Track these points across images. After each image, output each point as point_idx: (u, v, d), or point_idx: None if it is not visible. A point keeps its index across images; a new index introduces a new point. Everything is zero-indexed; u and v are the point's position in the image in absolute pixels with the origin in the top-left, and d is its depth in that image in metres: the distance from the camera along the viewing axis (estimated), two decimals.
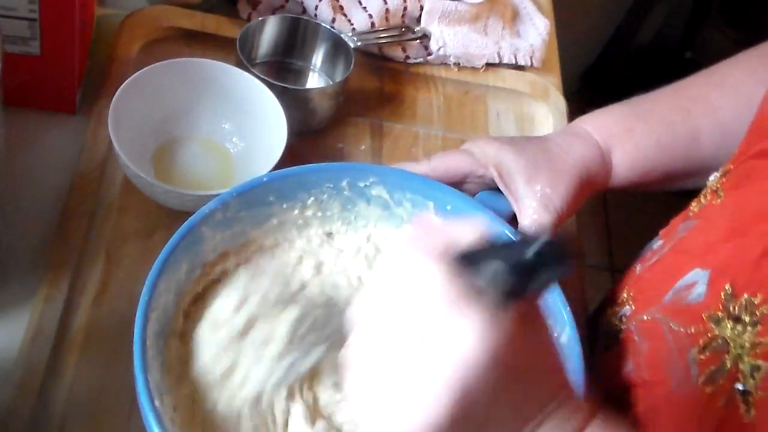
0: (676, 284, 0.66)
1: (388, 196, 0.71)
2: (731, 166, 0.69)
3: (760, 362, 0.59)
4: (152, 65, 0.81)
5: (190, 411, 0.60)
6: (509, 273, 0.44)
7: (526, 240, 0.44)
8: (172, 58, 0.83)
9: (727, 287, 0.62)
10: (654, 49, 2.18)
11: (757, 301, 0.60)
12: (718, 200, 0.69)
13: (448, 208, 0.70)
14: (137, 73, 0.80)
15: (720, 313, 0.62)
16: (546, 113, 0.99)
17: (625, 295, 0.74)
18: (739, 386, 0.60)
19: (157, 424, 0.54)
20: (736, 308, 0.61)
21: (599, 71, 2.26)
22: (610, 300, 0.76)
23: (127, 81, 0.79)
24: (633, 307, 0.72)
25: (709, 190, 0.71)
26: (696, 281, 0.65)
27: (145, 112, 0.81)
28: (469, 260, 0.45)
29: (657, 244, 0.75)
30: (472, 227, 0.47)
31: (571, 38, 1.24)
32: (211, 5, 0.97)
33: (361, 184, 0.70)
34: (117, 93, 0.77)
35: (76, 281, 0.74)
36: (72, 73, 0.81)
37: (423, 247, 0.46)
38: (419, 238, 0.48)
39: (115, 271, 0.75)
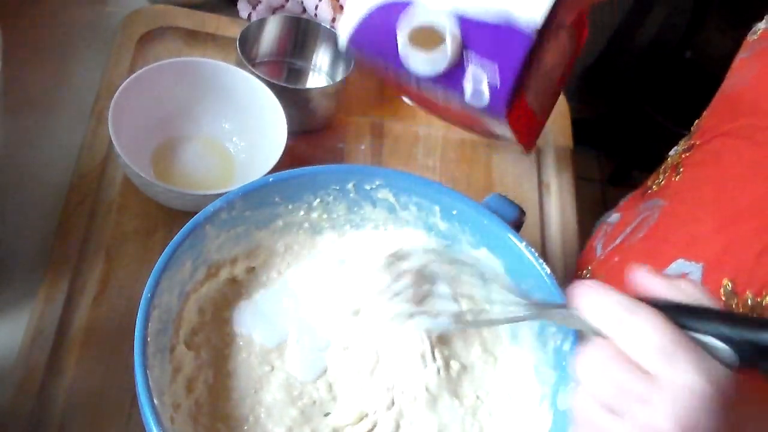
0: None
1: (394, 199, 0.71)
2: (696, 141, 0.68)
3: None
4: (152, 65, 0.81)
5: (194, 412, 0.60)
6: (747, 346, 0.44)
7: (763, 321, 0.44)
8: (172, 57, 0.83)
9: (725, 283, 0.62)
10: (654, 49, 2.18)
11: (765, 301, 0.60)
12: (677, 177, 0.68)
13: (454, 212, 0.70)
14: (137, 73, 0.80)
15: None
16: None
17: (588, 274, 0.73)
18: None
19: (157, 423, 0.54)
20: (741, 307, 0.61)
21: (599, 71, 2.26)
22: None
23: (127, 80, 0.79)
24: None
25: (669, 165, 0.70)
26: (687, 273, 0.65)
27: (145, 112, 0.81)
28: (689, 316, 0.45)
29: (614, 218, 0.74)
30: (688, 287, 0.47)
31: None
32: (211, 5, 0.97)
33: (368, 187, 0.70)
34: (117, 92, 0.77)
35: (76, 281, 0.74)
36: None
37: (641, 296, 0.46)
38: (636, 286, 0.47)
39: (115, 271, 0.75)
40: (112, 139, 0.75)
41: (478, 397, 0.65)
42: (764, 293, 0.60)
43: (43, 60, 0.87)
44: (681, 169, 0.68)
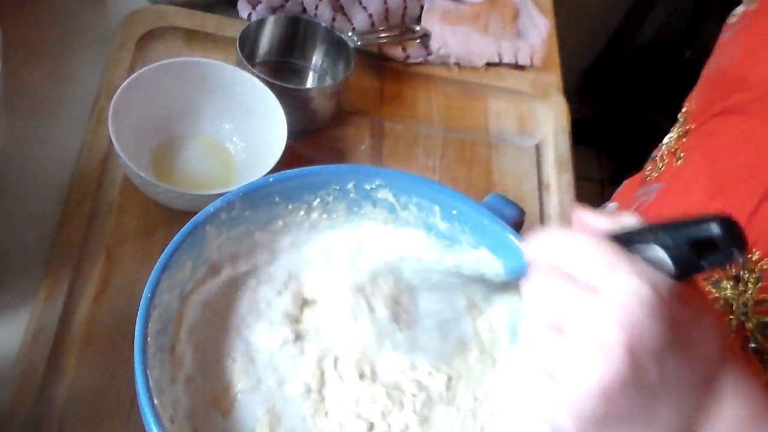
0: None
1: (394, 199, 0.71)
2: (691, 126, 0.69)
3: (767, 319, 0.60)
4: (152, 65, 0.81)
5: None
6: (684, 248, 0.44)
7: (692, 220, 0.44)
8: (172, 57, 0.83)
9: None
10: (654, 49, 2.18)
11: (755, 257, 0.60)
12: (678, 162, 0.69)
13: (454, 212, 0.70)
14: (137, 73, 0.80)
15: (717, 275, 0.62)
16: (546, 113, 0.99)
17: None
18: (752, 345, 0.60)
19: (157, 423, 0.54)
20: (733, 269, 0.62)
21: (599, 71, 2.26)
22: None
23: (127, 80, 0.79)
24: None
25: (665, 152, 0.71)
26: None
27: (145, 112, 0.81)
28: (630, 240, 0.46)
29: (611, 206, 0.75)
30: (628, 216, 0.47)
31: (571, 38, 1.24)
32: (210, 5, 0.97)
33: (367, 187, 0.70)
34: (117, 92, 0.77)
35: (76, 281, 0.74)
36: None
37: (582, 230, 0.47)
38: (578, 225, 0.48)
39: (115, 271, 0.75)
40: (112, 139, 0.75)
41: (476, 399, 0.65)
42: (755, 249, 0.60)
43: (43, 60, 0.87)
44: (681, 154, 0.69)
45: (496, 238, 0.68)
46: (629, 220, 0.47)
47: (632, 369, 0.43)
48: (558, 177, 0.94)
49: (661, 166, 0.71)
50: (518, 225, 0.73)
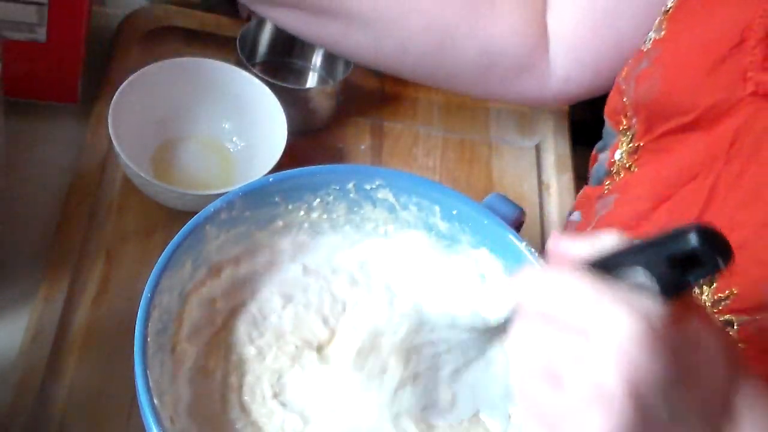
0: None
1: (394, 199, 0.71)
2: (639, 143, 0.70)
3: (728, 317, 0.59)
4: (152, 65, 0.81)
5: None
6: (666, 266, 0.41)
7: (670, 235, 0.42)
8: (172, 57, 0.83)
9: None
10: None
11: None
12: (632, 174, 0.70)
13: (454, 212, 0.70)
14: (137, 73, 0.80)
15: None
16: (546, 113, 0.99)
17: None
18: None
19: (157, 423, 0.54)
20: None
21: None
22: None
23: (127, 80, 0.79)
24: None
25: (620, 168, 0.72)
26: None
27: (145, 112, 0.81)
28: (612, 265, 0.43)
29: (574, 216, 0.75)
30: (607, 236, 0.45)
31: None
32: (210, 4, 0.97)
33: (368, 187, 0.70)
34: (117, 92, 0.77)
35: (76, 281, 0.74)
36: (77, 62, 0.81)
37: (558, 262, 0.45)
38: (555, 255, 0.46)
39: (115, 271, 0.75)
40: (112, 139, 0.75)
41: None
42: None
43: None
44: (635, 168, 0.70)
45: (497, 238, 0.68)
46: (607, 241, 0.45)
47: (638, 412, 0.40)
48: (558, 177, 0.94)
49: (617, 179, 0.72)
50: (518, 225, 0.73)
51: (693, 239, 0.40)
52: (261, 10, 0.80)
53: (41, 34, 0.77)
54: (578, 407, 0.41)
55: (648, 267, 0.42)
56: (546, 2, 0.83)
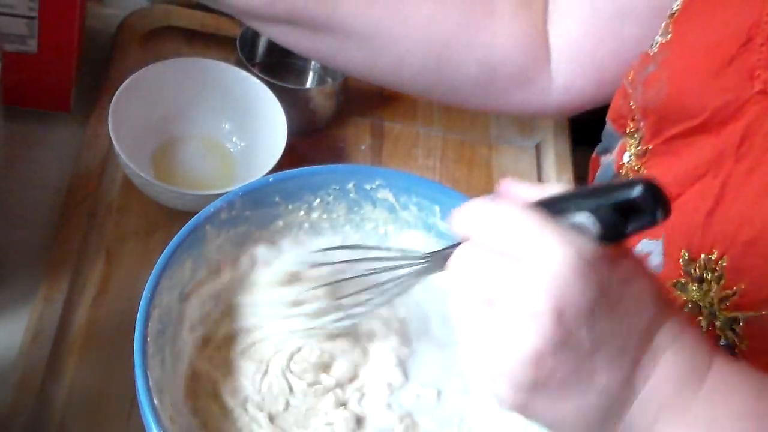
0: None
1: (394, 199, 0.71)
2: (648, 146, 0.70)
3: (735, 314, 0.60)
4: (152, 65, 0.81)
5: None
6: (608, 212, 0.44)
7: (617, 184, 0.45)
8: (172, 57, 0.83)
9: (684, 253, 0.63)
10: None
11: (714, 257, 0.61)
12: (641, 176, 0.70)
13: None
14: (137, 73, 0.80)
15: (683, 279, 0.63)
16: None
17: None
18: (722, 342, 0.61)
19: (157, 423, 0.54)
20: (697, 270, 0.62)
21: None
22: None
23: (127, 80, 0.79)
24: None
25: (629, 170, 0.72)
26: (650, 252, 0.66)
27: (145, 112, 0.81)
28: (556, 207, 0.46)
29: None
30: (557, 185, 0.48)
31: None
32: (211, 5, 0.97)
33: (368, 187, 0.70)
34: (117, 92, 0.77)
35: (76, 281, 0.74)
36: (68, 72, 0.81)
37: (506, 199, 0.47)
38: (505, 194, 0.48)
39: (115, 271, 0.75)
40: (112, 139, 0.75)
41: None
42: (713, 249, 0.61)
43: None
44: (644, 171, 0.70)
45: None
46: (555, 189, 0.47)
47: (562, 333, 0.43)
48: (558, 177, 0.94)
49: None
50: None
51: (638, 190, 0.43)
52: (255, 25, 0.80)
53: (32, 46, 0.78)
54: (510, 325, 0.44)
55: (591, 211, 0.45)
56: (546, 13, 0.83)
